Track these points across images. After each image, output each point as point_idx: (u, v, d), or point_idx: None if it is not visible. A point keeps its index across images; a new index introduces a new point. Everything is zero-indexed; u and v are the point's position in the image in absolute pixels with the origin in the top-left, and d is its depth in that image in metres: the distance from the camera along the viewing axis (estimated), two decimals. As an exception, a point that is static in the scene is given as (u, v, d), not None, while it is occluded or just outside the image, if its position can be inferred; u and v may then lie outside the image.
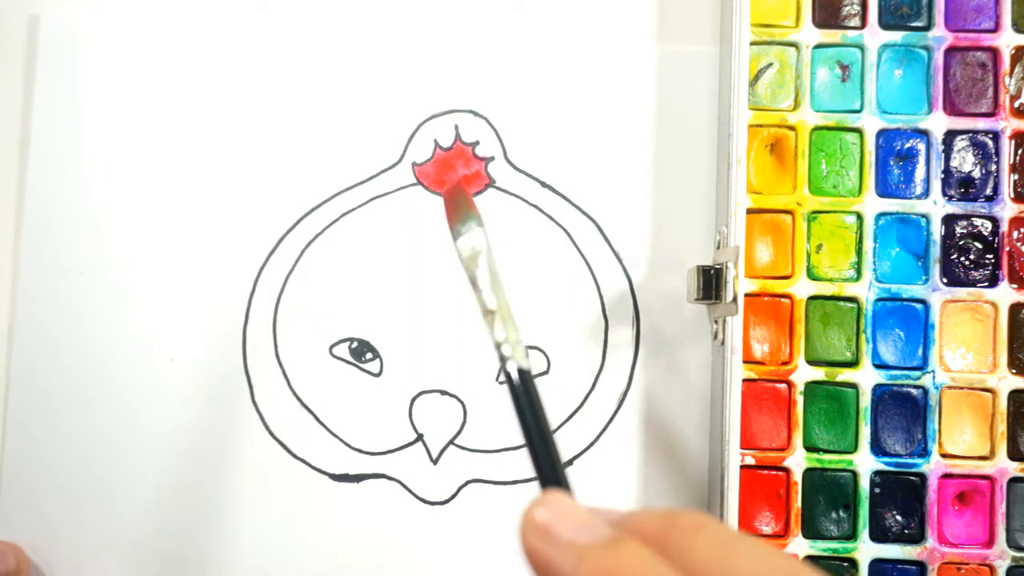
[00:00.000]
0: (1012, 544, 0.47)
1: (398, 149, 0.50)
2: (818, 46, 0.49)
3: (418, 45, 0.50)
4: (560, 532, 0.26)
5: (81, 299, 0.49)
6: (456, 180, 0.49)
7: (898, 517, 0.47)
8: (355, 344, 0.49)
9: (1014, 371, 0.47)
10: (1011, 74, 0.48)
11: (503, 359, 0.32)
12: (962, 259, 0.48)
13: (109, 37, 0.50)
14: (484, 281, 0.34)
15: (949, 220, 0.48)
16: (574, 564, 0.24)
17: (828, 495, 0.47)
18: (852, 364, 0.48)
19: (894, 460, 0.47)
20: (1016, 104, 0.48)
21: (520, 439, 0.31)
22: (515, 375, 0.32)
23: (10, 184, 0.50)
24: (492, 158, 0.50)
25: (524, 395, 0.31)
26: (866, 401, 0.47)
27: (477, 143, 0.50)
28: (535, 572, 0.26)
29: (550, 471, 0.30)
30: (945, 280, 0.48)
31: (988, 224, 0.48)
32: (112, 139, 0.50)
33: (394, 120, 0.50)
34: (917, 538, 0.47)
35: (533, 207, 0.50)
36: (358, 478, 0.49)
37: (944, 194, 0.48)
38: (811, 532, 0.47)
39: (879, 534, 0.47)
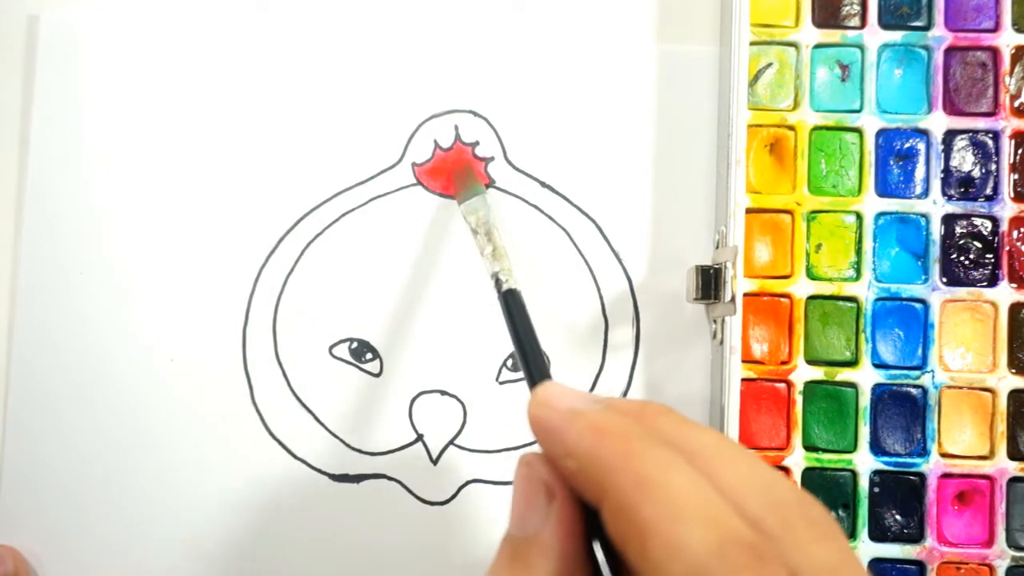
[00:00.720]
0: (1012, 544, 0.47)
1: (398, 149, 0.50)
2: (818, 46, 0.49)
3: (418, 45, 0.50)
4: (559, 401, 0.31)
5: (81, 299, 0.49)
6: (464, 163, 0.50)
7: (897, 517, 0.47)
8: (355, 344, 0.49)
9: (1014, 371, 0.47)
10: (1011, 74, 0.48)
11: (499, 283, 0.41)
12: (962, 259, 0.48)
13: (109, 37, 0.50)
14: (483, 230, 0.45)
15: (949, 220, 0.48)
16: (570, 420, 0.29)
17: (827, 495, 0.47)
18: (851, 364, 0.48)
19: (893, 460, 0.47)
20: (1016, 104, 0.48)
21: (516, 356, 0.39)
22: (508, 295, 0.41)
23: (10, 184, 0.50)
24: (492, 158, 0.50)
25: (515, 308, 0.40)
26: (865, 401, 0.47)
27: (477, 143, 0.50)
28: (539, 439, 0.31)
29: (537, 369, 0.36)
30: (945, 280, 0.48)
31: (988, 224, 0.48)
32: (112, 139, 0.50)
33: (394, 120, 0.50)
34: (916, 538, 0.47)
35: (533, 207, 0.50)
36: (358, 478, 0.49)
37: (944, 194, 0.48)
38: (811, 532, 0.47)
39: (878, 534, 0.47)
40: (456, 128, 0.50)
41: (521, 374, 0.49)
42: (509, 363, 0.49)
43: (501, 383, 0.49)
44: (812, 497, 0.28)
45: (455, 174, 0.48)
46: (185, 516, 0.49)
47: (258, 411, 0.49)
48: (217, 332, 0.49)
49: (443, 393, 0.49)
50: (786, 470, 0.47)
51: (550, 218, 0.50)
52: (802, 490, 0.29)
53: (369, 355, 0.49)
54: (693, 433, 0.29)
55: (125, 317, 0.49)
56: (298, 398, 0.49)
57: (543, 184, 0.50)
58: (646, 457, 0.27)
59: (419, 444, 0.49)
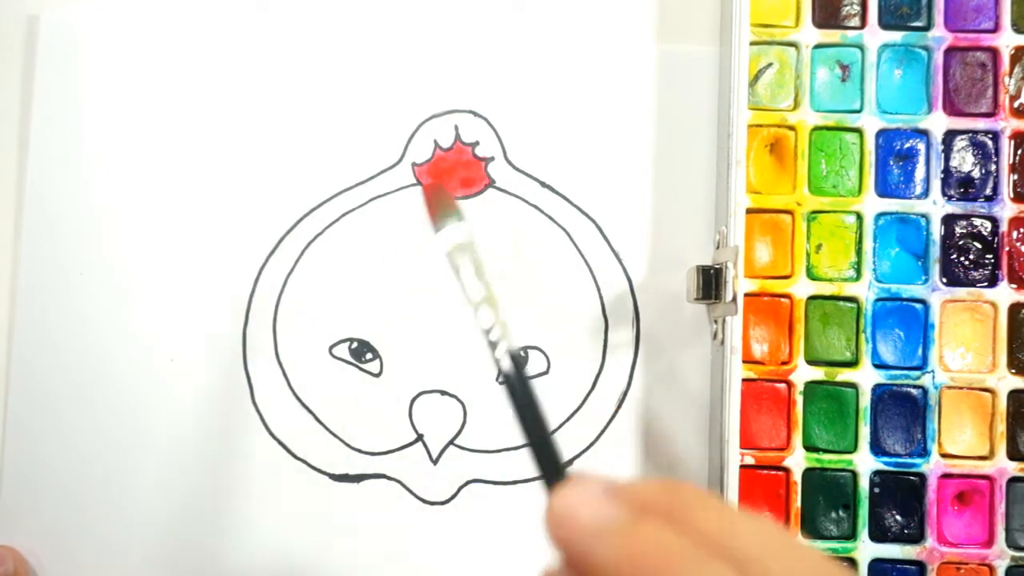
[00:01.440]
0: (1011, 544, 0.47)
1: (398, 149, 0.50)
2: (818, 46, 0.49)
3: (418, 45, 0.50)
4: (582, 516, 0.27)
5: (81, 300, 0.49)
6: (434, 181, 0.48)
7: (898, 517, 0.47)
8: (355, 344, 0.49)
9: (1013, 371, 0.47)
10: (1011, 74, 0.48)
11: (492, 344, 0.33)
12: (962, 259, 0.48)
13: (108, 37, 0.50)
14: (468, 273, 0.35)
15: (949, 220, 0.48)
16: (601, 542, 0.26)
17: (828, 495, 0.47)
18: (852, 364, 0.48)
19: (894, 460, 0.47)
20: (1016, 104, 0.48)
21: (519, 436, 0.31)
22: (505, 360, 0.32)
23: (10, 185, 0.50)
24: (492, 158, 0.50)
25: (515, 376, 0.32)
26: (866, 401, 0.47)
27: (477, 143, 0.50)
28: (564, 556, 0.28)
29: (551, 465, 0.31)
30: (945, 280, 0.48)
31: (988, 224, 0.48)
32: (112, 139, 0.50)
33: (394, 120, 0.50)
34: (916, 538, 0.47)
35: (533, 207, 0.50)
36: (358, 478, 0.49)
37: (944, 194, 0.48)
38: (811, 532, 0.47)
39: (878, 534, 0.47)
40: (456, 128, 0.50)
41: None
42: (509, 363, 0.49)
43: (501, 383, 0.49)
44: None
45: (427, 197, 0.38)
46: (185, 516, 0.49)
47: (258, 411, 0.49)
48: (217, 332, 0.49)
49: (443, 393, 0.49)
50: (786, 470, 0.47)
51: (550, 218, 0.50)
52: None
53: (369, 355, 0.49)
54: (736, 527, 0.26)
55: (125, 317, 0.49)
56: (298, 398, 0.49)
57: (543, 184, 0.50)
58: None
59: (419, 444, 0.49)
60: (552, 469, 0.31)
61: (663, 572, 0.25)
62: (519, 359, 0.32)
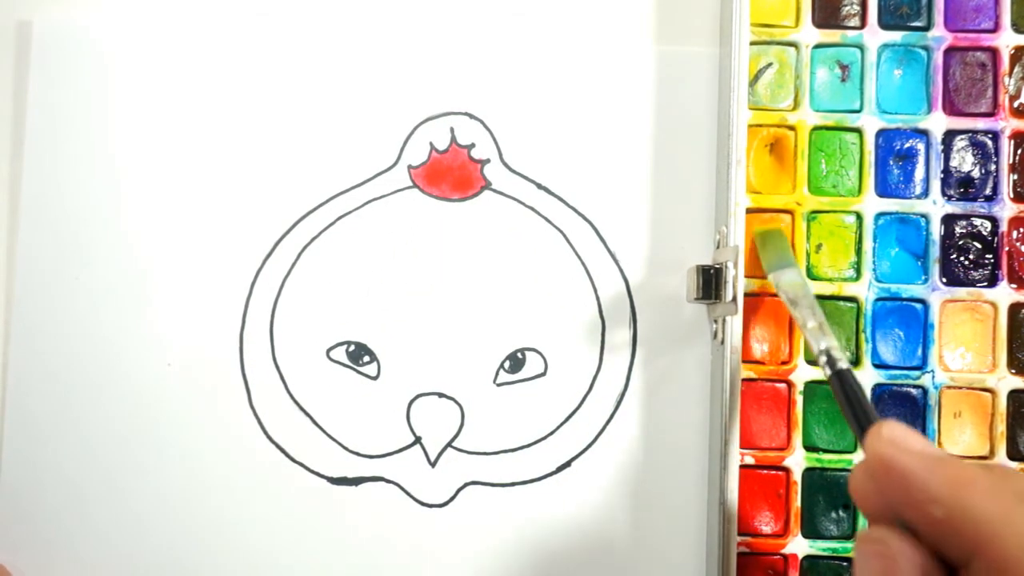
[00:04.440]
0: (1012, 543, 0.47)
1: (394, 152, 0.50)
2: (818, 46, 0.49)
3: (413, 47, 0.50)
4: (913, 444, 0.30)
5: (76, 305, 0.49)
6: (773, 224, 0.49)
7: (898, 517, 0.47)
8: (352, 347, 0.49)
9: (1013, 371, 0.48)
10: (1010, 74, 0.48)
11: (833, 361, 0.38)
12: (961, 259, 0.48)
13: (102, 42, 0.50)
14: (805, 305, 0.42)
15: (948, 220, 0.48)
16: (935, 466, 0.28)
17: (828, 495, 0.47)
18: (852, 364, 0.48)
19: (894, 460, 0.47)
20: (1015, 104, 0.48)
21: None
22: (844, 372, 0.38)
23: (4, 189, 0.50)
24: (488, 160, 0.50)
25: (851, 387, 0.37)
26: (866, 401, 0.47)
27: (473, 145, 0.50)
28: (889, 482, 0.29)
29: (868, 409, 0.35)
30: (944, 280, 0.48)
31: (987, 224, 0.48)
32: (107, 143, 0.50)
33: (389, 123, 0.50)
34: (917, 538, 0.47)
35: (529, 209, 0.50)
36: (356, 481, 0.49)
37: (943, 194, 0.48)
38: (811, 532, 0.47)
39: (879, 534, 0.47)
40: (452, 130, 0.50)
41: (519, 375, 0.49)
42: (507, 365, 0.49)
43: (499, 385, 0.49)
44: None
45: (763, 242, 0.47)
46: (183, 520, 0.48)
47: (256, 415, 0.49)
48: (214, 336, 0.49)
49: (441, 395, 0.49)
50: (786, 470, 0.47)
51: (547, 220, 0.49)
52: None
53: (366, 358, 0.49)
54: None
55: (121, 322, 0.49)
56: (296, 401, 0.49)
57: (539, 186, 0.50)
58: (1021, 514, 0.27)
59: (417, 446, 0.49)
60: (869, 412, 0.35)
61: (996, 503, 0.27)
62: (850, 373, 0.38)
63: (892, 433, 0.30)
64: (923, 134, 0.48)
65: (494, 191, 0.50)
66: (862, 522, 0.47)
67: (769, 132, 0.48)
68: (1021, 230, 0.48)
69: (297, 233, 0.49)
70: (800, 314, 0.42)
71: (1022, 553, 0.26)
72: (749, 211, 0.48)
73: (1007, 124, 0.48)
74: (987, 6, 0.49)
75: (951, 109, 0.49)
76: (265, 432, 0.49)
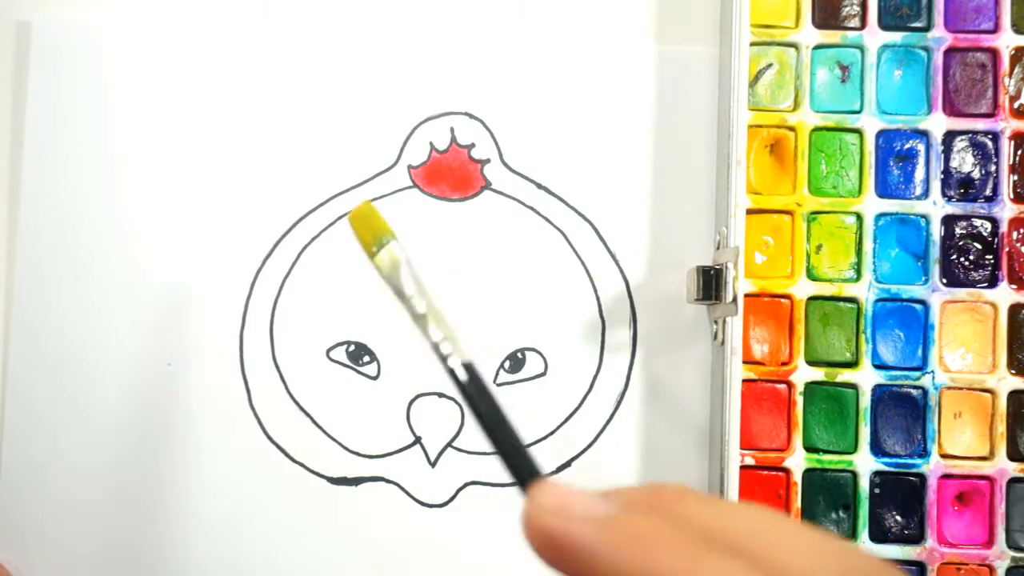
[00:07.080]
0: (1011, 544, 0.47)
1: (394, 152, 0.50)
2: (818, 47, 0.49)
3: (414, 47, 0.50)
4: (573, 508, 0.26)
5: (76, 305, 0.49)
6: (359, 206, 0.44)
7: (898, 517, 0.47)
8: (352, 347, 0.49)
9: (1013, 371, 0.48)
10: (1010, 75, 0.48)
11: (444, 357, 0.32)
12: (962, 259, 0.48)
13: (102, 41, 0.50)
14: (409, 289, 0.34)
15: (949, 221, 0.48)
16: (601, 532, 0.25)
17: (828, 495, 0.47)
18: (852, 365, 0.48)
19: (894, 460, 0.47)
20: (1016, 105, 0.48)
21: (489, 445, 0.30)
22: (459, 370, 0.32)
23: (4, 189, 0.50)
24: (488, 160, 0.50)
25: (473, 386, 0.31)
26: (866, 401, 0.47)
27: (473, 145, 0.50)
28: (551, 554, 0.26)
29: (525, 464, 0.30)
30: (945, 280, 0.48)
31: (988, 225, 0.48)
32: (107, 143, 0.50)
33: (390, 123, 0.50)
34: (917, 538, 0.47)
35: (529, 209, 0.50)
36: (356, 481, 0.49)
37: (944, 195, 0.48)
38: (811, 533, 0.47)
39: (879, 534, 0.47)
40: (452, 130, 0.50)
41: (519, 375, 0.49)
42: (507, 365, 0.49)
43: (499, 385, 0.49)
44: (888, 564, 0.26)
45: (354, 222, 0.36)
46: (183, 520, 0.49)
47: (256, 415, 0.49)
48: (214, 336, 0.49)
49: (441, 395, 0.49)
50: (786, 471, 0.47)
51: (547, 220, 0.49)
52: (873, 557, 0.26)
53: (366, 358, 0.49)
54: (732, 520, 0.26)
55: (121, 322, 0.49)
56: (296, 401, 0.49)
57: (539, 186, 0.50)
58: (708, 568, 0.24)
59: (417, 446, 0.49)
60: (528, 471, 0.29)
61: (676, 560, 0.24)
62: (473, 368, 0.32)
63: (552, 497, 0.27)
64: (923, 135, 0.48)
65: (494, 191, 0.50)
66: (862, 523, 0.47)
67: (769, 133, 0.48)
68: (1021, 231, 0.48)
69: (297, 233, 0.49)
70: (406, 304, 0.34)
71: None
72: (749, 212, 0.47)
73: (1007, 125, 0.48)
74: (987, 7, 0.49)
75: (951, 110, 0.48)
76: (265, 432, 0.49)
